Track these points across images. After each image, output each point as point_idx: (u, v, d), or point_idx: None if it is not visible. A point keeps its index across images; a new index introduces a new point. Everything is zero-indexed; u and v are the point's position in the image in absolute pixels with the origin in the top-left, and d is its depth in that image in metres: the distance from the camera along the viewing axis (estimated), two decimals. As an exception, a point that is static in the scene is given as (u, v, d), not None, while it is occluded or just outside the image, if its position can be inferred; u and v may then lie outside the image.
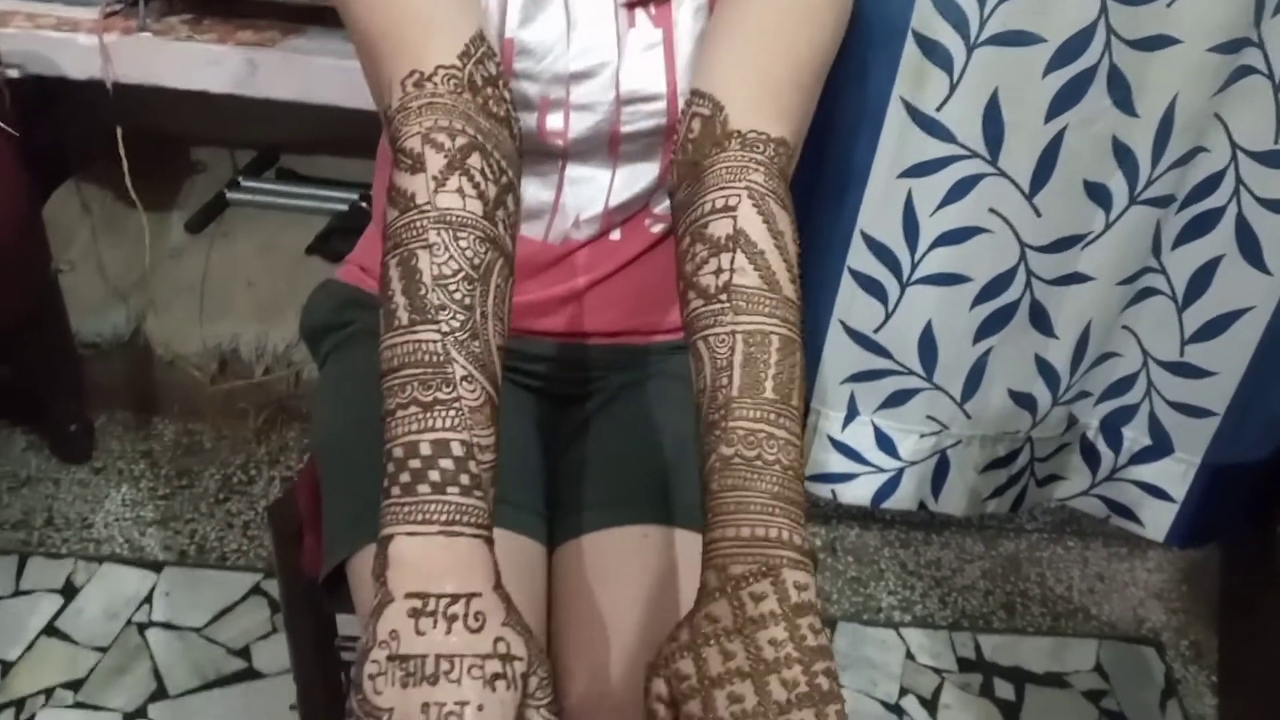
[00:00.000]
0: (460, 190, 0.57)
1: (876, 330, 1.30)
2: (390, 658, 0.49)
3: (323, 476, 0.81)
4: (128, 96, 1.29)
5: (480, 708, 0.48)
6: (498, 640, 0.50)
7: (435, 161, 0.57)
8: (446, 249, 0.56)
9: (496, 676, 0.49)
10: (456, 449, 0.53)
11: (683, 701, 0.52)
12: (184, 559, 1.39)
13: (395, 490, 0.52)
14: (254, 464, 1.54)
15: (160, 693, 1.23)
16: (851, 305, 1.29)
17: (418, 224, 0.56)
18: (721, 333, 0.59)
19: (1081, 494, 1.48)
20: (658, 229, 0.78)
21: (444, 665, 0.48)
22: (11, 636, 1.28)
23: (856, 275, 1.26)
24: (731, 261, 0.60)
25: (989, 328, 1.29)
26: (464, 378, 0.54)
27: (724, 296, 0.59)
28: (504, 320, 0.58)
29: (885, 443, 1.40)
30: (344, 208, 1.60)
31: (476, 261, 0.57)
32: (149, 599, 1.34)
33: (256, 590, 1.36)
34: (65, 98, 1.35)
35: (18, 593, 1.33)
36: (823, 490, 1.44)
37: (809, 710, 0.50)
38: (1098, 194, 1.19)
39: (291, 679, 1.25)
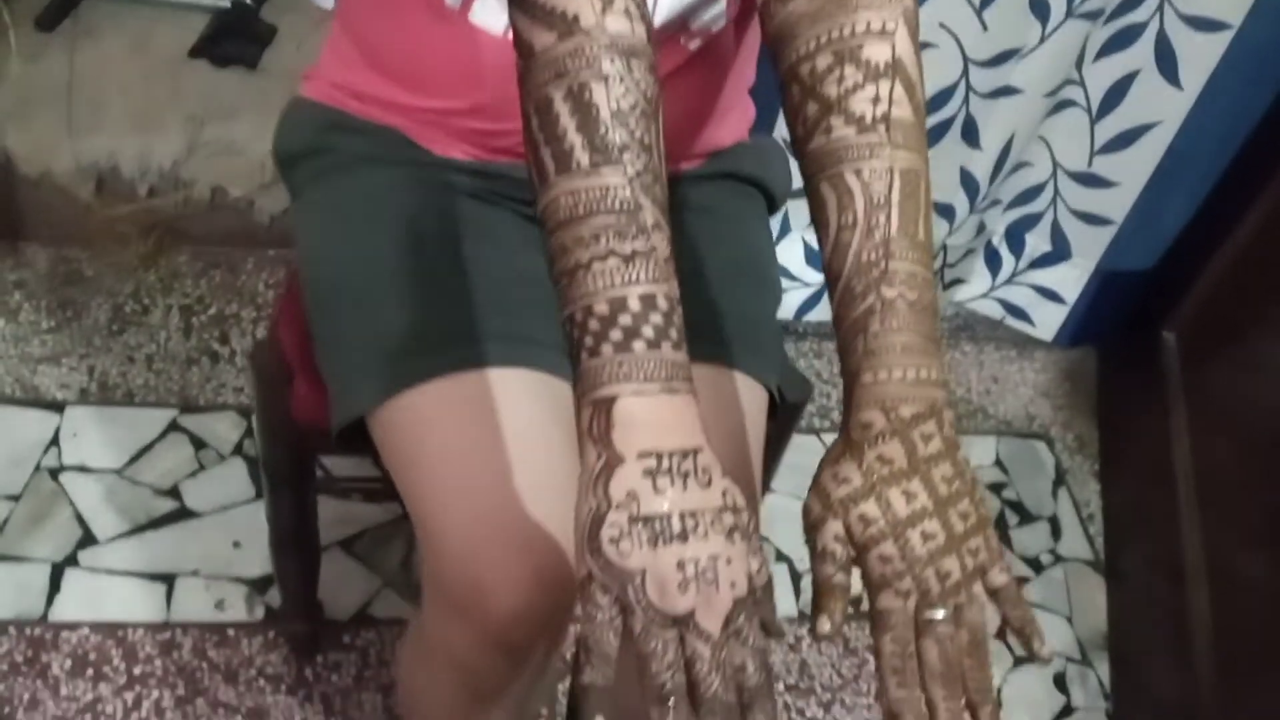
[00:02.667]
0: (627, 11, 0.52)
1: (816, 145, 1.29)
2: (632, 519, 0.47)
3: (321, 318, 0.75)
4: None
5: (729, 560, 0.48)
6: (725, 492, 0.49)
7: None
8: (622, 80, 0.51)
9: (734, 529, 0.49)
10: (662, 303, 0.50)
11: (870, 545, 0.53)
12: (86, 397, 1.30)
13: (607, 349, 0.50)
14: (145, 292, 1.43)
15: (88, 539, 1.17)
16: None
17: (587, 51, 0.51)
18: (879, 167, 0.56)
19: (981, 296, 1.57)
20: (694, 45, 0.74)
21: (689, 522, 0.48)
22: (-97, 489, 1.17)
23: (800, 89, 1.24)
24: (890, 91, 0.57)
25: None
26: (654, 225, 0.51)
27: (882, 128, 0.57)
28: (665, 159, 0.54)
29: (814, 258, 1.42)
30: (225, 4, 1.43)
31: (650, 94, 0.52)
32: (55, 441, 1.24)
33: (174, 427, 1.28)
34: None
35: (-100, 442, 1.22)
36: (749, 305, 1.46)
37: (979, 537, 0.54)
38: (1039, 7, 1.20)
39: (231, 516, 1.22)
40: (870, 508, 0.53)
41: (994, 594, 0.55)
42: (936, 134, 1.30)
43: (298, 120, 0.80)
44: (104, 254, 1.46)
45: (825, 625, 0.52)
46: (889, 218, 0.56)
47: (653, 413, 0.49)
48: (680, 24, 0.72)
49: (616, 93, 0.51)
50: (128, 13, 1.44)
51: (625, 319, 0.50)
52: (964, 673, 0.53)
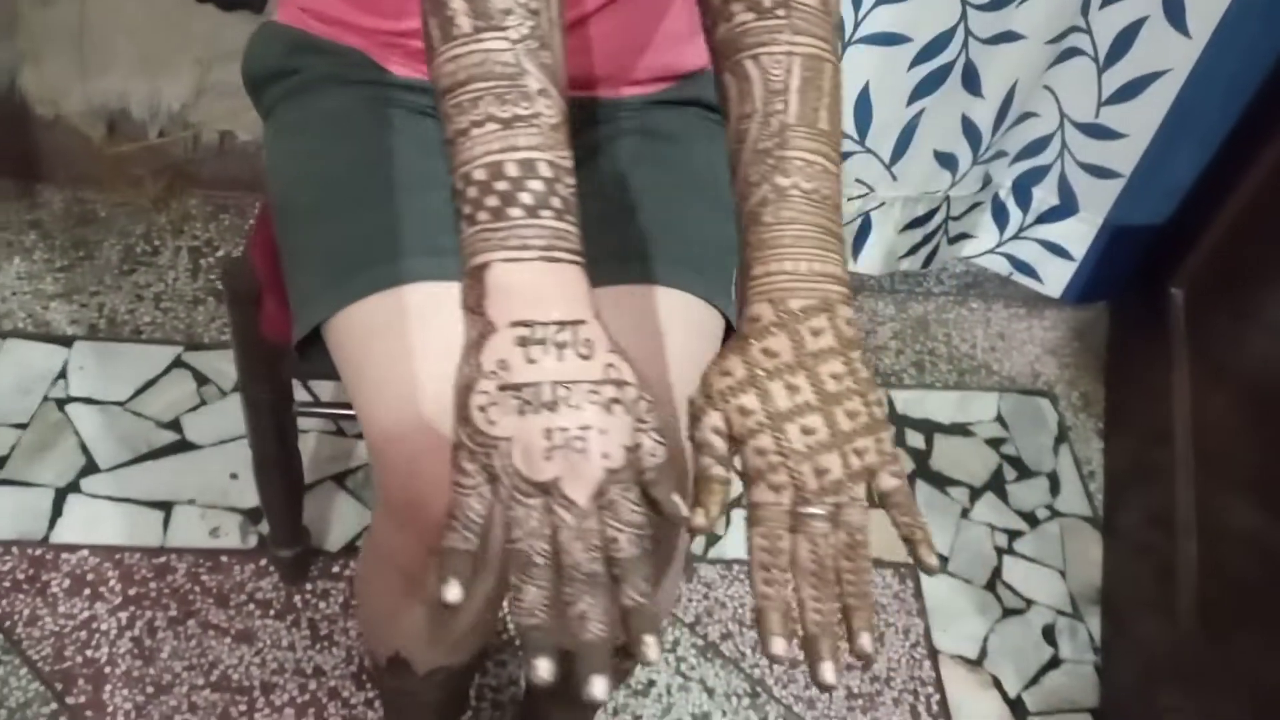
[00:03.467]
0: None
1: (815, 92, 1.28)
2: (501, 387, 0.47)
3: (284, 234, 0.77)
4: None
5: (603, 431, 0.47)
6: (608, 366, 0.48)
7: None
8: None
9: (613, 401, 0.48)
10: (544, 169, 0.49)
11: (748, 436, 0.52)
12: (95, 333, 1.33)
13: (483, 215, 0.49)
14: (156, 233, 1.46)
15: (91, 467, 1.20)
16: (791, 65, 1.27)
17: None
18: (778, 52, 0.55)
19: (988, 252, 1.55)
20: None
21: (561, 392, 0.47)
22: (-83, 415, 1.22)
23: (798, 33, 1.23)
24: None
25: (924, 89, 1.29)
26: (540, 91, 0.50)
27: (781, 13, 0.56)
28: (564, 30, 0.53)
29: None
30: (234, -50, 1.45)
31: None
32: (63, 374, 1.28)
33: (178, 363, 1.31)
34: None
35: (-84, 370, 1.26)
36: (749, 255, 1.46)
37: (869, 438, 0.52)
38: (1041, -53, 1.18)
39: (229, 449, 1.25)
40: (750, 399, 0.52)
41: (883, 498, 0.54)
42: (936, 79, 1.28)
43: (265, 43, 0.81)
44: (117, 196, 1.49)
45: (699, 519, 0.51)
46: (786, 105, 0.55)
47: (528, 280, 0.48)
48: None
49: None
50: (140, -42, 1.46)
51: (502, 185, 0.49)
52: (841, 576, 0.51)
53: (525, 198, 0.49)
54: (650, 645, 0.45)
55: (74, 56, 1.40)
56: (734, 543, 1.25)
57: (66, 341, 1.32)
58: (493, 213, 0.49)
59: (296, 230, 0.75)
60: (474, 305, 0.49)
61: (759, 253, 0.54)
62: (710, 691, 1.13)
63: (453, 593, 0.45)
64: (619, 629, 0.46)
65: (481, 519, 0.47)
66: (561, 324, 0.48)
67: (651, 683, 1.13)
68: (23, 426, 1.22)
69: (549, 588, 0.45)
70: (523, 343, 0.48)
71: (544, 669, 0.43)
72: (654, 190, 0.77)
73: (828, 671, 0.49)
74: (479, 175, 0.49)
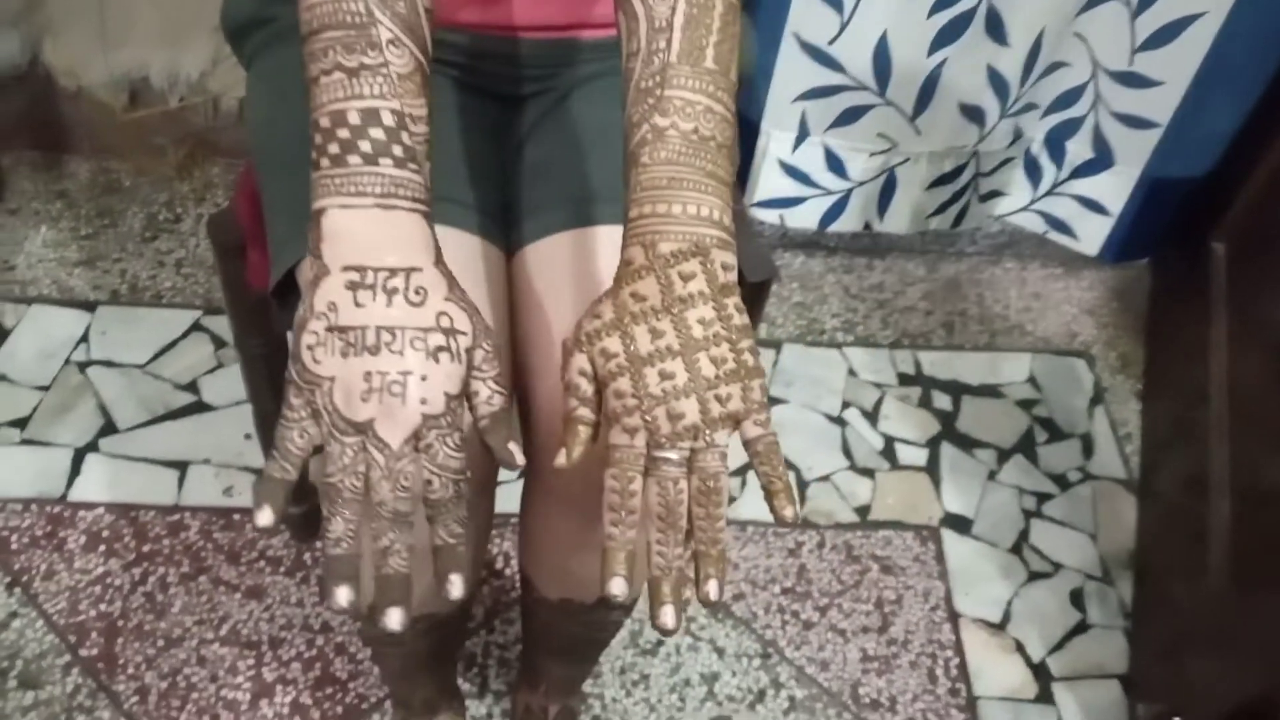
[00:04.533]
0: None
1: (831, 42, 1.25)
2: (329, 329, 0.48)
3: (262, 183, 0.77)
4: None
5: (424, 377, 0.48)
6: (440, 314, 0.49)
7: None
8: None
9: (440, 349, 0.49)
10: (387, 118, 0.50)
11: (609, 379, 0.51)
12: (117, 298, 1.35)
13: (324, 162, 0.50)
14: (178, 201, 1.47)
15: (109, 428, 1.22)
16: (805, 15, 1.23)
17: None
18: None
19: (1021, 209, 1.50)
20: None
21: (385, 336, 0.48)
22: (-56, 379, 1.24)
23: (811, -19, 1.20)
24: None
25: (944, 38, 1.25)
26: (390, 41, 0.50)
27: None
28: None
29: (835, 163, 1.38)
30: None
31: None
32: (85, 338, 1.30)
33: (197, 327, 1.33)
34: None
35: (-56, 336, 1.29)
36: (770, 216, 1.43)
37: (736, 385, 0.51)
38: (1064, -113, 1.13)
39: (244, 411, 1.25)
40: (613, 342, 0.51)
41: (746, 446, 0.52)
42: (958, 28, 1.24)
43: (242, -7, 0.80)
44: (141, 165, 1.51)
45: (560, 458, 0.51)
46: (669, 43, 0.53)
47: (361, 226, 0.49)
48: None
49: None
50: (159, -73, 1.47)
51: (343, 133, 0.49)
52: (693, 522, 0.50)
53: (364, 145, 0.49)
54: (454, 584, 0.49)
55: (95, 28, 1.41)
56: (747, 504, 1.23)
57: (89, 307, 1.34)
58: (333, 159, 0.50)
59: (273, 178, 0.75)
60: (313, 249, 0.50)
61: (634, 194, 0.53)
62: (720, 652, 1.11)
63: (263, 517, 0.48)
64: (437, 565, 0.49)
65: (301, 451, 0.49)
66: (394, 270, 0.49)
67: (660, 642, 1.11)
68: (45, 389, 1.25)
69: (355, 521, 0.48)
70: (352, 286, 0.49)
71: (342, 596, 0.47)
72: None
73: (666, 615, 0.49)
74: (324, 122, 0.50)
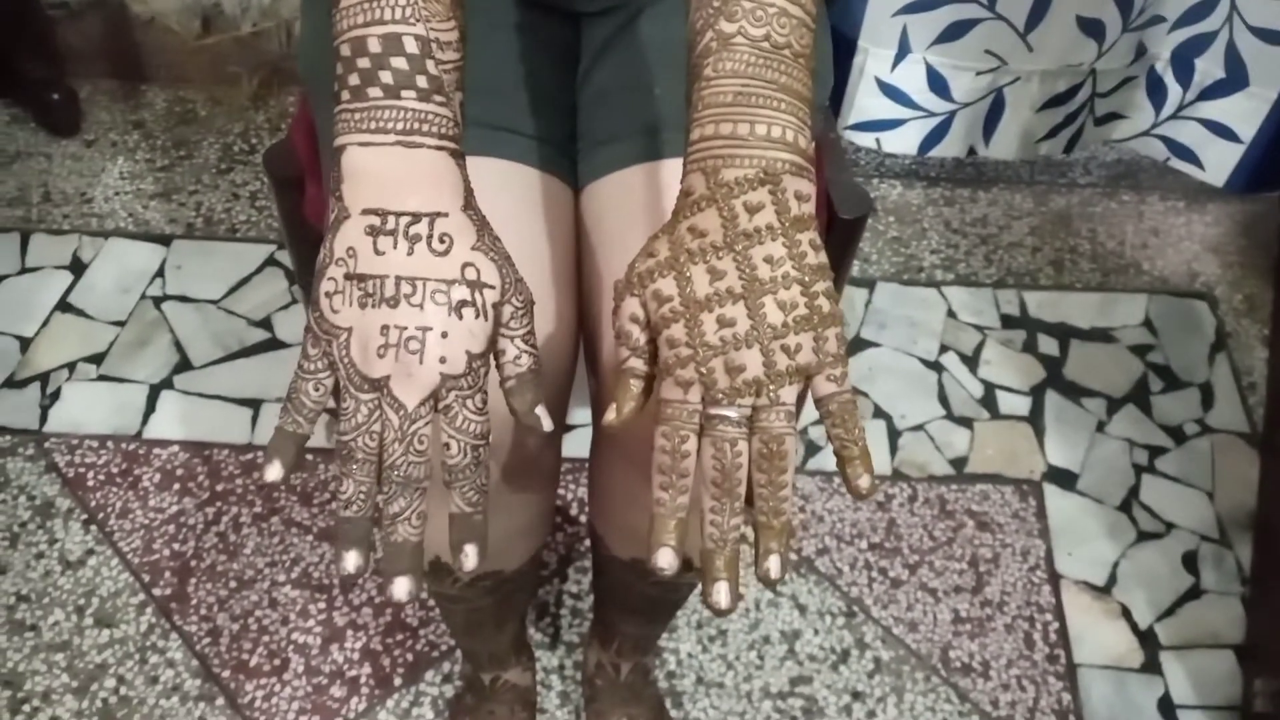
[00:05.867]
0: None
1: (937, -50, 1.14)
2: (348, 276, 0.44)
3: (316, 112, 0.72)
4: None
5: (444, 335, 0.44)
6: (466, 265, 0.45)
7: None
8: None
9: (464, 304, 0.44)
10: (410, 45, 0.45)
11: (662, 326, 0.45)
12: (192, 232, 1.33)
13: (345, 94, 0.45)
14: (254, 131, 1.45)
15: (184, 364, 1.21)
16: (909, -79, 1.13)
17: None
18: None
19: (1141, 134, 1.38)
20: None
21: (405, 288, 0.44)
22: (25, 312, 1.24)
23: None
24: None
25: (1065, -57, 1.13)
26: None
27: None
28: None
29: (938, 83, 1.28)
30: None
31: None
32: (160, 273, 1.29)
33: (271, 261, 1.30)
34: None
35: (24, 270, 1.28)
36: (866, 139, 1.34)
37: (808, 334, 0.45)
38: None
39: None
40: (667, 284, 0.45)
41: (818, 404, 0.46)
42: (1078, -68, 1.12)
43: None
44: (216, 94, 1.48)
45: (610, 415, 0.46)
46: None
47: (382, 166, 0.44)
48: None
49: None
50: None
51: (363, 62, 0.45)
52: (753, 489, 0.45)
53: (386, 76, 0.45)
54: (468, 555, 0.46)
55: (165, -50, 1.38)
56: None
57: (165, 240, 1.32)
58: (353, 91, 0.45)
59: (327, 108, 0.70)
60: (334, 188, 0.45)
61: (696, 113, 0.46)
62: (803, 609, 1.06)
63: (272, 471, 0.45)
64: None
65: (316, 404, 0.46)
66: (417, 215, 0.45)
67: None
68: (121, 324, 1.24)
69: (368, 483, 0.45)
70: (372, 231, 0.44)
71: (350, 562, 0.44)
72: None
73: (720, 593, 0.44)
74: (344, 50, 0.45)
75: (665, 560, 0.45)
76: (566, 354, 0.66)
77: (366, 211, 0.44)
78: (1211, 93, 1.30)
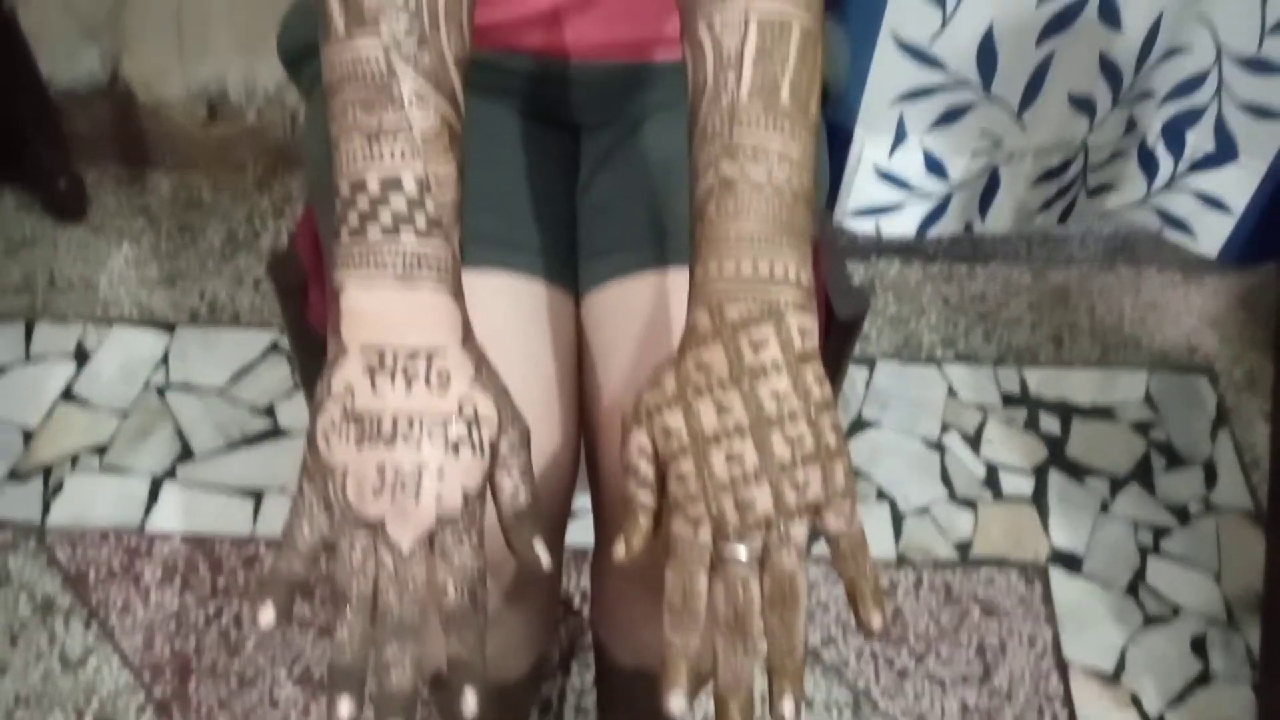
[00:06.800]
0: None
1: (932, 40, 1.16)
2: (344, 414, 0.45)
3: (321, 226, 0.73)
4: None
5: (440, 472, 0.44)
6: (463, 401, 0.45)
7: None
8: None
9: (461, 440, 0.45)
10: (409, 185, 0.46)
11: (670, 460, 0.46)
12: (196, 319, 1.34)
13: (345, 233, 0.46)
14: (258, 216, 1.46)
15: (186, 454, 1.21)
16: (904, 12, 1.15)
17: None
18: (731, 18, 0.48)
19: (1134, 204, 1.39)
20: None
21: (402, 425, 0.44)
22: (29, 403, 1.25)
23: (910, -24, 1.11)
24: None
25: (1054, 26, 1.15)
26: (413, 97, 0.46)
27: None
28: (462, 25, 0.48)
29: (935, 166, 1.29)
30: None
31: None
32: (165, 360, 1.29)
33: (274, 348, 1.31)
34: None
35: (29, 359, 1.29)
36: (866, 225, 1.35)
37: (815, 468, 0.45)
38: None
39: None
40: (675, 418, 0.46)
41: (828, 541, 0.46)
42: (1068, 17, 1.14)
43: (298, 19, 0.77)
44: (221, 179, 1.50)
45: (619, 551, 0.46)
46: (739, 78, 0.47)
47: (381, 305, 0.45)
48: None
49: None
50: (234, -63, 1.46)
51: (363, 202, 0.45)
52: (767, 628, 0.44)
53: (385, 216, 0.45)
54: (468, 700, 0.44)
55: (172, 42, 1.40)
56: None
57: (169, 327, 1.33)
58: (353, 231, 0.46)
59: (331, 215, 0.71)
60: (333, 326, 0.46)
61: (700, 250, 0.48)
62: (808, 702, 1.05)
63: (264, 616, 0.44)
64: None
65: (309, 546, 0.45)
66: (415, 352, 0.45)
67: (745, 689, 1.05)
68: (124, 414, 1.24)
69: (362, 626, 0.44)
70: (370, 369, 0.45)
71: (344, 709, 0.43)
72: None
73: None
74: (344, 190, 0.46)
75: (678, 705, 0.45)
76: (567, 464, 0.66)
77: (365, 349, 0.45)
78: (1202, 165, 1.31)
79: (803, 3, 0.48)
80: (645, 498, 0.47)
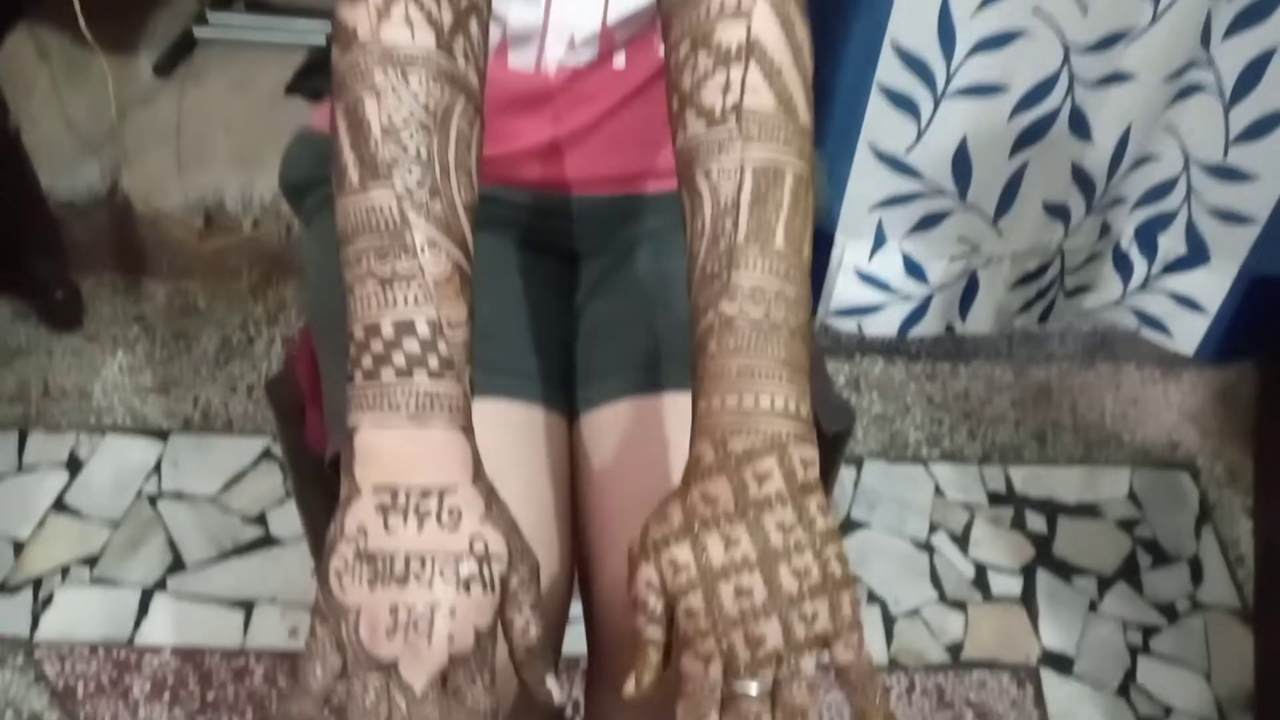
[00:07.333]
0: (407, 19, 0.49)
1: (908, 151, 1.21)
2: (357, 554, 0.45)
3: (319, 349, 0.75)
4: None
5: (452, 611, 0.45)
6: (474, 538, 0.46)
7: None
8: (395, 92, 0.48)
9: (472, 578, 0.45)
10: (422, 328, 0.47)
11: (679, 594, 0.46)
12: (189, 426, 1.35)
13: (358, 376, 0.47)
14: (252, 323, 1.48)
15: (177, 564, 1.21)
16: (880, 125, 1.19)
17: (360, 64, 0.49)
18: (728, 165, 0.50)
19: (1111, 305, 1.43)
20: (619, 63, 0.69)
21: (414, 565, 0.45)
22: (21, 514, 1.25)
23: (886, 92, 1.16)
24: (743, 78, 0.50)
25: (1027, 138, 1.20)
26: (425, 244, 0.48)
27: (732, 120, 0.50)
28: (471, 173, 0.51)
29: (914, 269, 1.33)
30: (321, 40, 1.48)
31: (431, 105, 0.49)
32: (157, 469, 1.30)
33: (266, 455, 1.32)
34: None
35: (21, 469, 1.29)
36: (848, 324, 1.38)
37: (823, 600, 0.46)
38: (1148, -20, 1.08)
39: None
40: (683, 552, 0.46)
41: (838, 673, 0.47)
42: (1041, 129, 1.19)
43: (299, 152, 0.79)
44: (216, 287, 1.52)
45: (629, 688, 0.47)
46: (736, 223, 0.49)
47: (394, 446, 0.46)
48: (649, 20, 0.67)
49: (389, 106, 0.48)
50: (234, 53, 1.50)
51: (377, 346, 0.47)
52: None
53: (398, 359, 0.47)
54: None
55: (171, 154, 1.44)
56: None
57: (162, 435, 1.34)
58: (366, 374, 0.47)
59: (330, 342, 0.73)
60: (346, 466, 0.47)
61: (703, 385, 0.49)
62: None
63: None
64: None
65: (323, 686, 0.45)
66: (427, 491, 0.46)
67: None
68: (116, 524, 1.24)
69: None
70: (383, 509, 0.45)
71: None
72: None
73: None
74: (358, 334, 0.48)
75: None
76: (563, 587, 0.67)
77: (378, 490, 0.46)
78: (1175, 267, 1.35)
79: (794, 150, 0.51)
80: (655, 633, 0.48)
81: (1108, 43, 1.12)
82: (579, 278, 0.77)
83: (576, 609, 0.70)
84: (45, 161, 1.40)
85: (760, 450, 0.47)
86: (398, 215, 0.47)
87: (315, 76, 1.43)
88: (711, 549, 0.46)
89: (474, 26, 0.52)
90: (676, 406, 0.68)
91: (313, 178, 0.78)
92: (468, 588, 0.45)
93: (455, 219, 0.49)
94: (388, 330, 0.47)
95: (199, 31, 1.52)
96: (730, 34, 0.51)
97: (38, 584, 1.18)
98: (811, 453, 0.48)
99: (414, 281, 0.47)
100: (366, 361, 0.47)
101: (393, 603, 0.44)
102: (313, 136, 0.79)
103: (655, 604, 0.47)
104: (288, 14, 1.53)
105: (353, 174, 0.48)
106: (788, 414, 0.48)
